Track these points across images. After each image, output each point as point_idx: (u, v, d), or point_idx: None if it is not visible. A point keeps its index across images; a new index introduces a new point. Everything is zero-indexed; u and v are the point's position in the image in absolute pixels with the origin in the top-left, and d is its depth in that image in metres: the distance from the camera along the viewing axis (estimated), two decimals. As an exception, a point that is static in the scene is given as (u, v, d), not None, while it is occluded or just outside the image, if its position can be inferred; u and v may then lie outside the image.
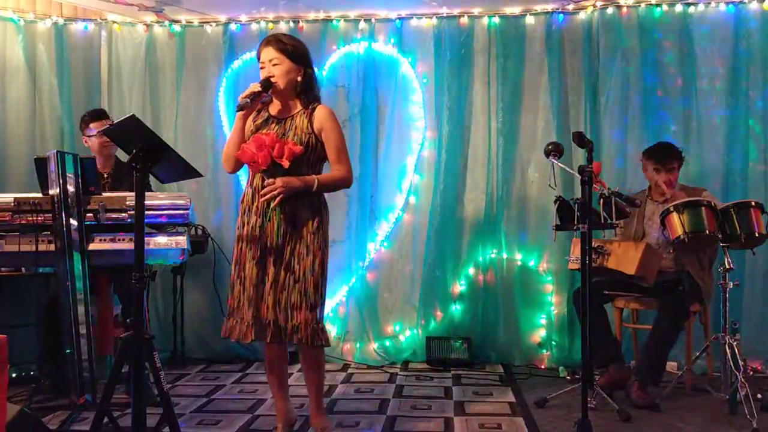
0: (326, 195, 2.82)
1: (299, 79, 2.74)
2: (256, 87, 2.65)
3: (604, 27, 4.28)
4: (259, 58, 2.77)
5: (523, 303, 4.36)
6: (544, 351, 4.30)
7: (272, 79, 2.68)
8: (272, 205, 2.64)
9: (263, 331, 2.66)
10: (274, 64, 2.70)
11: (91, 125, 3.71)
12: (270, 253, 2.67)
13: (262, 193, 2.65)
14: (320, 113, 2.74)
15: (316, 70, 2.86)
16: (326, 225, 2.77)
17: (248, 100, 2.64)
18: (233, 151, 2.72)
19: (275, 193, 2.62)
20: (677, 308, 3.50)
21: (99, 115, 3.75)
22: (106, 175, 3.76)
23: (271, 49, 2.71)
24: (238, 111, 2.67)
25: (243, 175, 4.53)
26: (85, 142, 3.77)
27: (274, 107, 2.79)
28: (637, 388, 3.35)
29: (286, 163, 2.60)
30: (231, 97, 4.57)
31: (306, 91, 2.77)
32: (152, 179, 2.65)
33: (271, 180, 2.64)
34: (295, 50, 2.73)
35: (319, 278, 2.69)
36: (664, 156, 3.72)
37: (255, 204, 2.71)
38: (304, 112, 2.75)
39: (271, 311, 2.65)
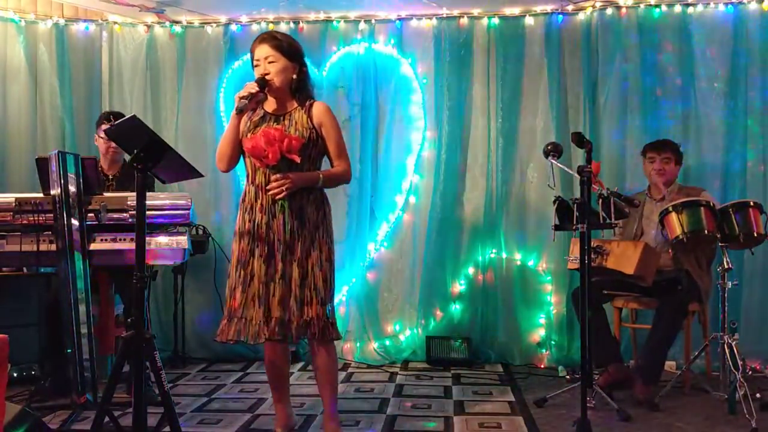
0: (327, 193, 2.85)
1: (294, 76, 2.74)
2: (252, 87, 2.64)
3: (604, 28, 4.29)
4: (253, 56, 2.75)
5: (523, 303, 4.37)
6: (544, 350, 4.32)
7: (267, 77, 2.67)
8: (278, 198, 2.63)
9: (269, 327, 2.63)
10: (270, 62, 2.69)
11: (102, 126, 3.71)
12: (277, 249, 2.66)
13: (270, 187, 2.64)
14: (318, 108, 2.75)
15: (309, 67, 2.85)
16: (330, 219, 2.80)
17: (246, 101, 2.64)
18: (228, 150, 2.73)
19: (284, 187, 2.61)
20: (676, 308, 3.51)
21: (109, 118, 3.66)
22: (111, 177, 3.77)
23: (267, 47, 2.70)
24: (237, 113, 2.66)
25: (243, 175, 4.55)
26: (96, 140, 3.79)
27: (270, 105, 2.77)
28: (639, 385, 3.40)
29: (297, 158, 2.63)
30: (232, 97, 4.55)
31: (301, 88, 2.77)
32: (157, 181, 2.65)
33: (279, 175, 2.63)
34: (290, 47, 2.74)
35: (327, 272, 2.71)
36: (659, 145, 3.79)
37: (259, 201, 2.69)
38: (301, 108, 2.75)
39: (278, 308, 2.63)
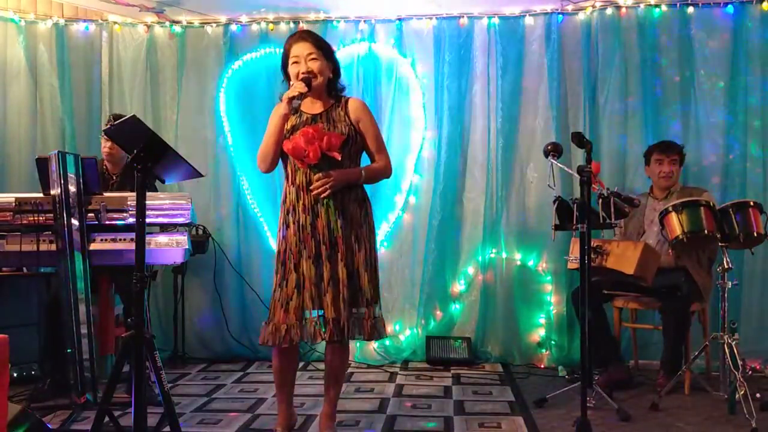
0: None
1: (331, 75, 2.76)
2: (302, 87, 2.62)
3: (603, 27, 4.29)
4: (289, 53, 2.73)
5: (523, 302, 4.36)
6: (544, 350, 4.31)
7: (311, 76, 2.66)
8: (322, 197, 2.63)
9: (329, 330, 2.62)
10: (312, 59, 2.68)
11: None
12: (323, 249, 2.65)
13: (313, 187, 2.63)
14: (355, 104, 2.78)
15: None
16: (371, 214, 2.81)
17: (299, 101, 2.64)
18: (272, 151, 2.70)
19: (327, 186, 2.61)
20: (679, 316, 3.57)
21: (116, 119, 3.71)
22: (115, 176, 3.78)
23: (308, 44, 2.70)
24: (292, 113, 2.67)
25: (244, 175, 4.55)
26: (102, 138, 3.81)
27: (307, 104, 2.76)
28: (661, 377, 3.53)
29: (337, 155, 2.62)
30: (231, 97, 4.58)
31: (335, 87, 2.80)
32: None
33: (321, 174, 2.62)
34: (328, 47, 2.78)
35: (372, 272, 2.73)
36: (666, 146, 3.84)
37: (301, 202, 2.68)
38: (338, 105, 2.76)
39: (331, 309, 2.63)
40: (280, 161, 2.79)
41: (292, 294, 2.65)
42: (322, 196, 2.63)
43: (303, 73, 2.67)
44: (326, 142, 2.60)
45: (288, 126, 2.72)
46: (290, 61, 2.72)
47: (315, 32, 2.84)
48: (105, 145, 3.76)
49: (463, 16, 4.44)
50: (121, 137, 2.44)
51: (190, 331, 4.51)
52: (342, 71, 2.86)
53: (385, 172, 2.83)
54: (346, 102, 2.78)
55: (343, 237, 2.67)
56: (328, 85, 2.78)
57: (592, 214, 2.88)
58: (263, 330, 2.71)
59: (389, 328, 4.47)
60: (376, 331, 2.72)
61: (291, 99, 2.62)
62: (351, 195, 2.72)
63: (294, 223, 2.69)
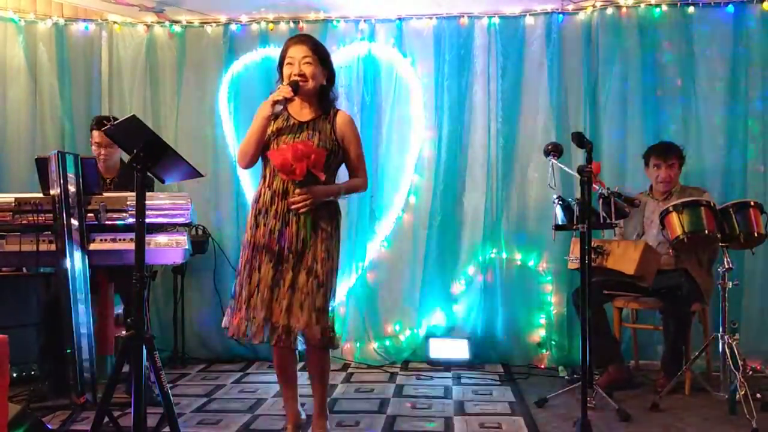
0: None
1: (324, 82, 2.75)
2: (287, 91, 2.62)
3: (604, 27, 4.28)
4: (285, 54, 2.72)
5: (523, 303, 4.36)
6: (544, 351, 4.31)
7: (300, 80, 2.66)
8: (301, 212, 2.62)
9: (273, 333, 2.65)
10: (306, 62, 2.67)
11: (93, 133, 3.72)
12: (286, 258, 2.66)
13: (293, 201, 2.63)
14: (342, 119, 2.76)
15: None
16: (340, 227, 2.80)
17: (281, 107, 2.65)
18: (252, 150, 2.70)
19: (308, 203, 2.62)
20: (679, 315, 3.56)
21: (100, 122, 3.64)
22: (109, 181, 3.77)
23: (305, 47, 2.70)
24: (273, 118, 2.68)
25: (242, 174, 4.55)
26: (92, 144, 3.79)
27: (296, 109, 2.75)
28: (662, 377, 3.54)
29: (322, 176, 2.62)
30: (231, 97, 4.57)
31: (326, 95, 2.78)
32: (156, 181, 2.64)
33: (303, 189, 2.62)
34: (325, 54, 2.76)
35: (334, 283, 2.73)
36: (664, 151, 3.80)
37: (274, 207, 2.68)
38: (326, 117, 2.75)
39: (284, 315, 2.63)
40: (260, 160, 2.77)
41: (254, 292, 2.67)
42: (300, 211, 2.63)
43: (294, 75, 2.67)
44: (314, 159, 2.57)
45: (273, 128, 2.71)
46: (285, 61, 2.72)
47: (315, 38, 2.82)
48: (98, 151, 3.72)
49: (463, 16, 4.43)
50: (120, 137, 2.43)
51: (189, 331, 4.51)
52: (336, 77, 2.82)
53: (362, 188, 2.85)
54: (335, 115, 2.77)
55: (310, 247, 2.66)
56: (320, 93, 2.77)
57: (592, 214, 2.87)
58: (233, 321, 2.71)
59: (389, 328, 4.48)
60: (334, 340, 2.72)
61: (275, 103, 2.62)
62: (324, 210, 2.71)
63: (264, 225, 2.69)
